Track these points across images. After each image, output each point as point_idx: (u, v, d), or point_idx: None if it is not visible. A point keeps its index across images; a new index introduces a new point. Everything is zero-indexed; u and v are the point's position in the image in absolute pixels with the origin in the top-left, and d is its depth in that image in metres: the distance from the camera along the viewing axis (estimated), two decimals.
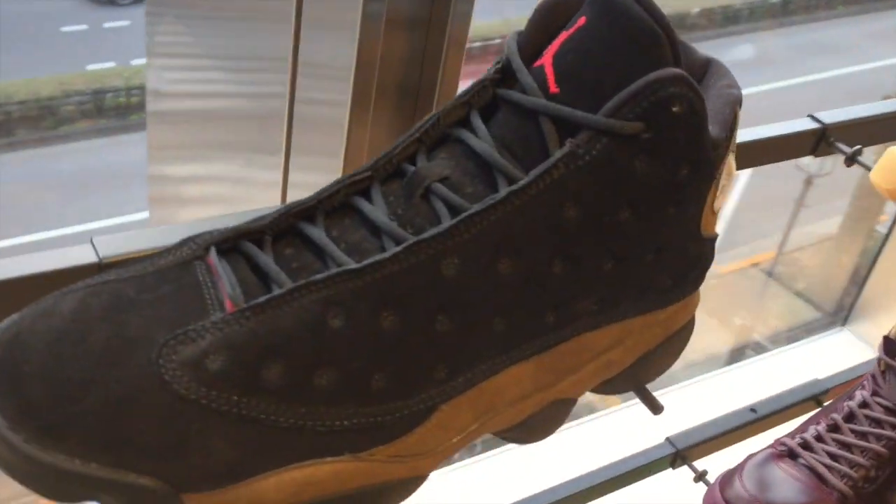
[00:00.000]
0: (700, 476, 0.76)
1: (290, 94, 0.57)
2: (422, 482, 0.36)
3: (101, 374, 0.30)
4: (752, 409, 0.81)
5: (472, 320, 0.33)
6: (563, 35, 0.33)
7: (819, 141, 0.62)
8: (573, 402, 0.39)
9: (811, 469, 0.71)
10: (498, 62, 0.35)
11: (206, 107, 0.81)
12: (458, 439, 0.35)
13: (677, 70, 0.31)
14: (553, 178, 0.32)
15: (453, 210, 0.33)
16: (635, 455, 0.78)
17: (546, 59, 0.33)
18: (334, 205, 0.34)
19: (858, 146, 0.62)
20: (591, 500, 0.76)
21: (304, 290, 0.31)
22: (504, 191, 0.32)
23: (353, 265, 0.32)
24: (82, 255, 0.40)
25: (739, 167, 0.65)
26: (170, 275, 0.33)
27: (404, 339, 0.32)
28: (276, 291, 0.32)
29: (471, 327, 0.33)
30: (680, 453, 0.77)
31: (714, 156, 0.35)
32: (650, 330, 0.39)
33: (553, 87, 0.33)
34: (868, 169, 0.60)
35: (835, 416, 0.74)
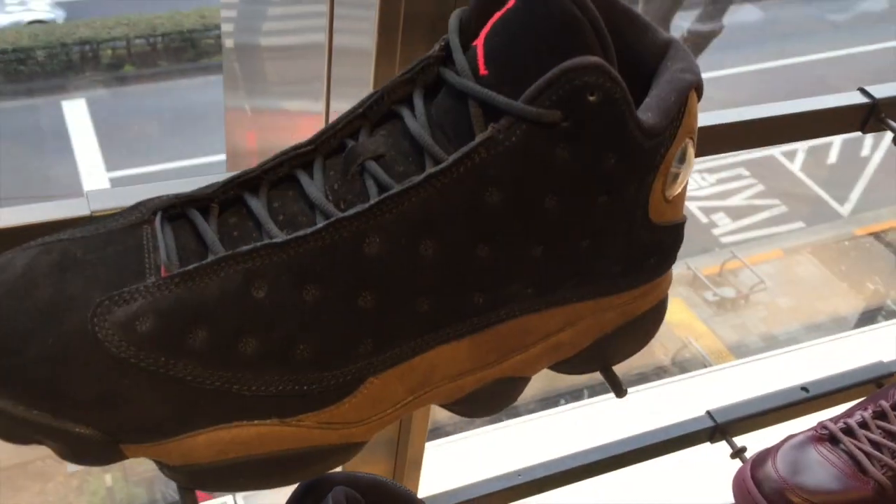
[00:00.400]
0: (737, 452, 0.75)
1: (329, 23, 0.57)
2: (359, 449, 0.37)
3: (41, 330, 0.32)
4: (804, 388, 0.78)
5: (395, 298, 0.33)
6: (497, 14, 0.33)
7: (869, 116, 0.58)
8: (524, 380, 0.39)
9: (850, 456, 0.68)
10: (443, 39, 0.35)
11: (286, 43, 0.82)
12: (392, 410, 0.36)
13: (593, 58, 0.30)
14: (474, 162, 0.32)
15: (382, 189, 0.33)
16: (674, 425, 0.76)
17: (480, 40, 0.33)
18: (280, 176, 0.35)
19: None
20: (625, 465, 0.76)
21: (230, 261, 0.33)
22: (425, 172, 0.32)
23: (278, 239, 0.33)
24: (76, 208, 0.43)
25: (785, 141, 0.62)
26: (117, 237, 0.34)
27: (327, 313, 0.33)
28: (206, 260, 0.33)
29: (394, 305, 0.33)
30: (719, 427, 0.75)
31: (652, 144, 0.33)
32: (604, 314, 0.38)
33: (483, 69, 0.32)
34: None
35: (883, 402, 0.71)
